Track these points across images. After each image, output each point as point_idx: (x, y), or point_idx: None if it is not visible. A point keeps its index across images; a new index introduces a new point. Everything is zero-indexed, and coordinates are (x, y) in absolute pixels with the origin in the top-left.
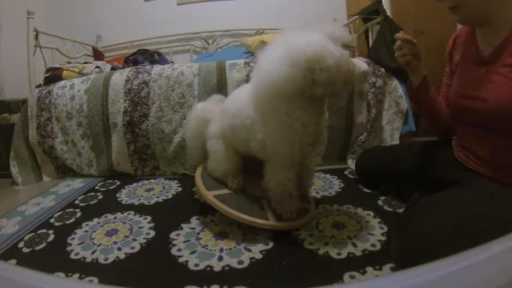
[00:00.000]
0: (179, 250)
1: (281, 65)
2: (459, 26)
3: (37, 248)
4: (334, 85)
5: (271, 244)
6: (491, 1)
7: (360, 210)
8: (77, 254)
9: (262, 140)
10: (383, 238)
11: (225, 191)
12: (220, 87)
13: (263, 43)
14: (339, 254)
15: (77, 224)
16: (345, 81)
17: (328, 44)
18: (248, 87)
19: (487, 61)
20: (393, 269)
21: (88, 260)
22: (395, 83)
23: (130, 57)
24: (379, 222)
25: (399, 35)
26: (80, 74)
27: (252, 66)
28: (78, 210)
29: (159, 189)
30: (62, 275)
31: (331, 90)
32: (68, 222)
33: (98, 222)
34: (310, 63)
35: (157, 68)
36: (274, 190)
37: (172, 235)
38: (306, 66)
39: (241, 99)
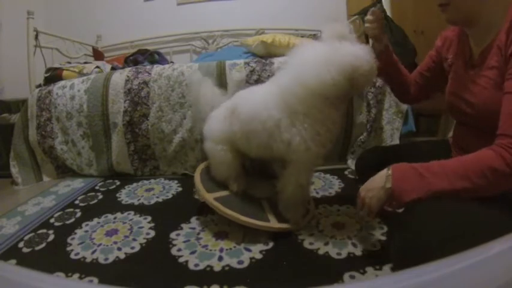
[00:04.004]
0: (179, 250)
1: (331, 72)
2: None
3: (37, 248)
4: (367, 84)
5: (271, 244)
6: (479, 1)
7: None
8: (77, 254)
9: (288, 140)
10: (383, 238)
11: (226, 193)
12: (220, 87)
13: (263, 43)
14: (339, 254)
15: (77, 224)
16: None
17: (362, 51)
18: (262, 89)
19: (475, 63)
20: (393, 269)
21: (88, 260)
22: None
23: (131, 57)
24: (379, 222)
25: (376, 10)
26: (80, 74)
27: (252, 66)
28: (78, 210)
29: (159, 189)
30: (62, 275)
31: (363, 88)
32: (68, 222)
33: (98, 222)
34: (353, 73)
35: (157, 68)
36: (291, 193)
37: (172, 235)
38: (350, 75)
39: (256, 102)
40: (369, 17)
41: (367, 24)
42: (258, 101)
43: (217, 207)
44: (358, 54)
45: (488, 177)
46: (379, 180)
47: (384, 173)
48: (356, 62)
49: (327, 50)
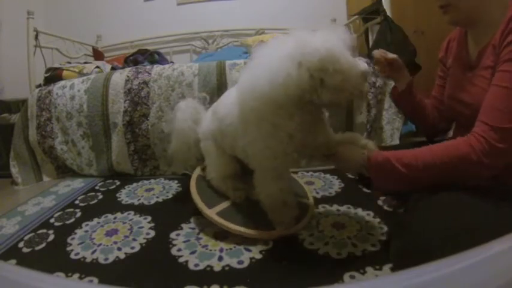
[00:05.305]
0: (179, 250)
1: (284, 62)
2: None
3: (37, 248)
4: (342, 93)
5: (271, 244)
6: (480, 2)
7: (360, 210)
8: (77, 254)
9: (244, 147)
10: (383, 238)
11: (227, 204)
12: (220, 87)
13: (263, 43)
14: (339, 254)
15: (77, 224)
16: (352, 91)
17: (343, 47)
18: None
19: (473, 65)
20: (393, 269)
21: (88, 260)
22: None
23: (131, 57)
24: (379, 222)
25: (376, 52)
26: (80, 74)
27: None
28: (78, 210)
29: (159, 189)
30: (62, 275)
31: (337, 97)
32: (68, 222)
33: (98, 222)
34: (323, 62)
35: (157, 68)
36: (264, 200)
37: (172, 235)
38: (318, 66)
39: (229, 101)
40: (374, 60)
41: (376, 67)
42: (229, 103)
43: (223, 224)
44: (336, 46)
45: (458, 166)
46: (355, 163)
47: (359, 156)
48: (329, 52)
49: (290, 41)
